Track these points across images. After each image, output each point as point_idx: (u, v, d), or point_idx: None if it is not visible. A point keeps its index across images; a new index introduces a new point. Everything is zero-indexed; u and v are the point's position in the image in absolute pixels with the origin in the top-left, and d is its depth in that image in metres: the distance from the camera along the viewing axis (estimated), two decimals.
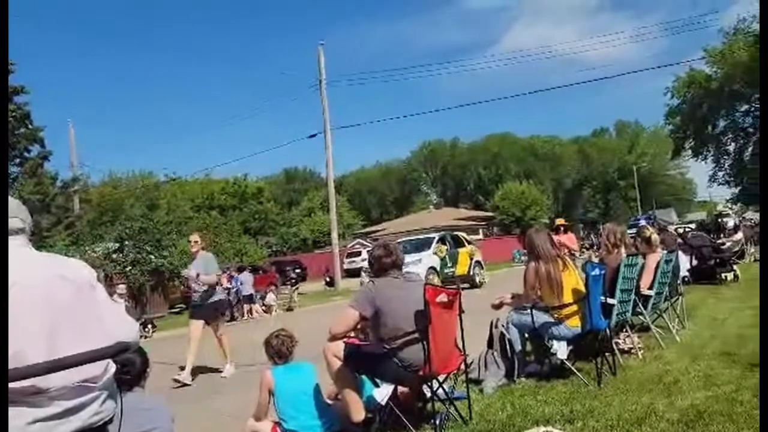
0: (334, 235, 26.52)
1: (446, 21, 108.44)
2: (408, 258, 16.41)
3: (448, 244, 19.00)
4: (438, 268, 17.79)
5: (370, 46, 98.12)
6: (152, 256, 21.46)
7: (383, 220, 60.82)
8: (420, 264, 16.75)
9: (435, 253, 17.90)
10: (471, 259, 19.16)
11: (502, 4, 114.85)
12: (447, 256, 18.31)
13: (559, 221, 13.59)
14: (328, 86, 25.57)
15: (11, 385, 1.68)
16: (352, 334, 4.21)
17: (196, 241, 8.09)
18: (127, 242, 21.89)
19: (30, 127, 24.58)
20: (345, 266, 31.68)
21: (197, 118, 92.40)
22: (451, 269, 18.33)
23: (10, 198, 2.13)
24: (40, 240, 20.64)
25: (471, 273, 18.86)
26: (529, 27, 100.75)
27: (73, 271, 2.01)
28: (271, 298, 19.39)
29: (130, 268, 20.90)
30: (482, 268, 19.91)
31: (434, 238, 19.22)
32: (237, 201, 51.90)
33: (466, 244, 20.03)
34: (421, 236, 20.65)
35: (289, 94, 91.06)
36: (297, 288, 21.55)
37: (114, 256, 21.64)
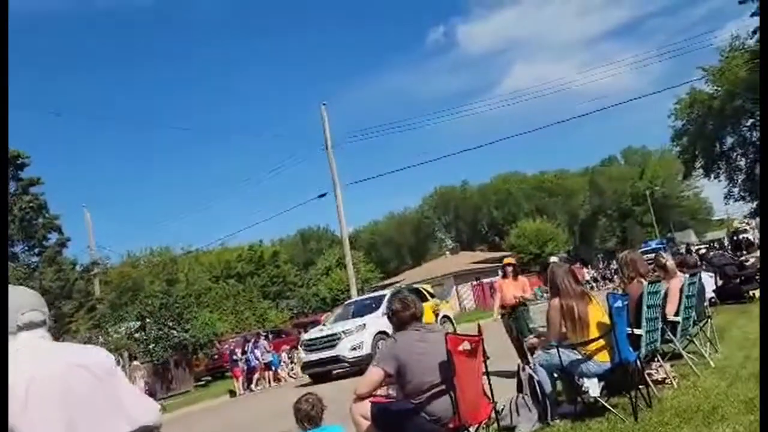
0: (353, 291, 26.42)
1: (446, 68, 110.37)
2: (349, 325, 15.28)
3: None
4: (390, 331, 15.71)
5: (372, 99, 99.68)
6: (174, 331, 21.51)
7: (401, 271, 60.48)
8: (365, 330, 14.78)
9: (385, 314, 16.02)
10: (436, 314, 16.99)
11: (500, 47, 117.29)
12: None
13: (507, 260, 9.46)
14: (334, 146, 25.89)
15: None
16: (378, 393, 4.15)
17: None
18: (148, 319, 22.01)
19: (47, 216, 25.13)
20: None
21: (207, 189, 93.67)
22: None
23: (31, 291, 2.17)
24: (63, 326, 20.75)
25: None
26: (528, 66, 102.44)
27: (92, 359, 2.03)
28: (286, 358, 19.32)
29: (153, 345, 20.92)
30: (452, 323, 17.57)
31: (385, 296, 16.37)
32: (254, 267, 52.06)
33: (429, 298, 17.86)
34: (372, 294, 17.94)
35: (296, 154, 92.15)
36: (293, 361, 20.23)
37: (136, 335, 21.73)
